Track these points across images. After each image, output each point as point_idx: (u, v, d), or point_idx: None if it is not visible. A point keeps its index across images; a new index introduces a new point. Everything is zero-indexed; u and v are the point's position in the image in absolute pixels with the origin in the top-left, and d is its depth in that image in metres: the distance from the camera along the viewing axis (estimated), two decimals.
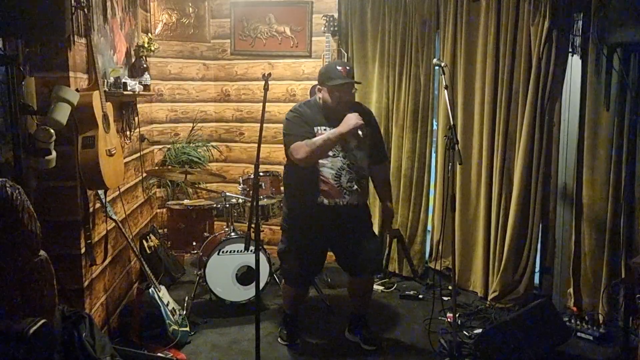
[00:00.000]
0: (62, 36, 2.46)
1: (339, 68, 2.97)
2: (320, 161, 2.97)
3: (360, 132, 2.89)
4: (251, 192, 3.18)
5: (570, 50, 3.46)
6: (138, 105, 3.91)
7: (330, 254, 3.26)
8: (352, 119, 2.88)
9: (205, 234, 3.99)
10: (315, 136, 2.94)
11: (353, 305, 3.39)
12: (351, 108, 2.98)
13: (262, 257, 3.29)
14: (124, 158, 3.48)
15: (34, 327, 1.74)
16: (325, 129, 2.97)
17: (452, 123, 2.86)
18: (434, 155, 4.28)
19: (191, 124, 4.95)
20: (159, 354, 2.98)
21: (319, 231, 3.10)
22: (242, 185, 3.99)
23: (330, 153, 2.97)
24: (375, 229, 4.46)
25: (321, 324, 3.55)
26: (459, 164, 2.87)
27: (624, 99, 3.28)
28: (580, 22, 3.41)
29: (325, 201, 2.99)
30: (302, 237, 3.11)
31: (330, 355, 3.17)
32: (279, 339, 3.33)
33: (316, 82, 4.41)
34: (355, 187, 3.02)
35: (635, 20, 3.01)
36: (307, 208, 3.04)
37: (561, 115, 3.59)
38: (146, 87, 3.86)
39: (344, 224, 3.09)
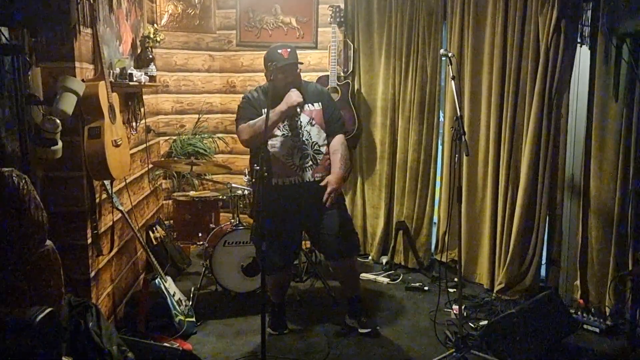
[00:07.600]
0: (67, 26, 2.46)
1: (280, 51, 3.04)
2: (271, 142, 3.04)
3: (298, 109, 3.00)
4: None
5: (579, 40, 3.43)
6: (144, 97, 3.91)
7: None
8: (292, 97, 2.97)
9: (211, 225, 4.00)
10: None
11: (342, 289, 3.42)
12: (300, 88, 3.05)
13: None
14: (130, 149, 3.49)
15: (41, 316, 1.74)
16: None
17: (459, 114, 2.85)
18: (440, 146, 4.26)
19: (197, 116, 4.95)
20: (165, 344, 2.99)
21: (284, 214, 3.09)
22: (247, 176, 3.99)
23: (279, 133, 3.06)
24: (381, 220, 4.47)
25: (326, 314, 3.55)
26: (466, 156, 2.85)
27: (633, 90, 3.24)
28: (589, 12, 3.37)
29: (280, 181, 3.06)
30: (271, 223, 2.96)
31: (335, 345, 3.17)
32: (267, 329, 3.28)
33: (322, 74, 4.47)
34: (310, 163, 3.08)
35: None
36: (269, 191, 2.94)
37: (569, 107, 3.55)
38: (152, 78, 3.86)
39: (306, 202, 3.09)
